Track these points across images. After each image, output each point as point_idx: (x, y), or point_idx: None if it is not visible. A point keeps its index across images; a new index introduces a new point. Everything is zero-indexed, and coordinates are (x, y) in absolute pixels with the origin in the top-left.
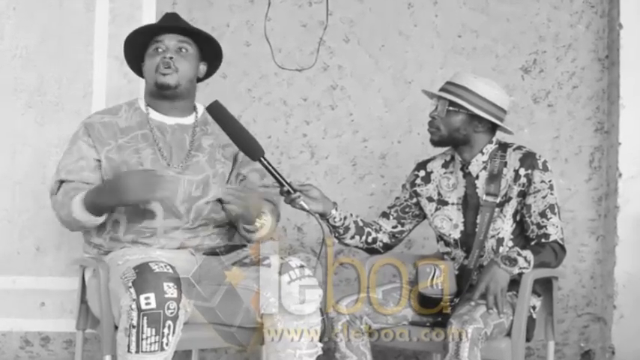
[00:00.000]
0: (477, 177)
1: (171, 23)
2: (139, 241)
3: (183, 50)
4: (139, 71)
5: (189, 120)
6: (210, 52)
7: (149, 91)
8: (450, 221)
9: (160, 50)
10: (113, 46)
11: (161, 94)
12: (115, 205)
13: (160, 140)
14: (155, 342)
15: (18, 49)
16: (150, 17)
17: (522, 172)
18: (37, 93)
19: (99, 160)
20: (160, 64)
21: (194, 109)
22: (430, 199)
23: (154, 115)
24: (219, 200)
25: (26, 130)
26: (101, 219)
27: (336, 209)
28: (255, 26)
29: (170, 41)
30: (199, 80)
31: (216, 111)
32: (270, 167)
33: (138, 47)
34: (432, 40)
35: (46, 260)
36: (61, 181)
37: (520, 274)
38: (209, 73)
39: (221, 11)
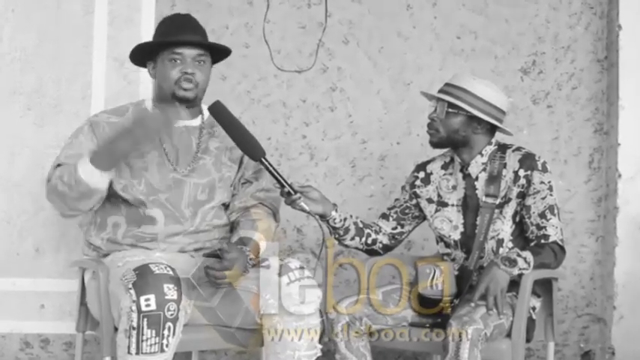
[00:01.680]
0: (477, 178)
1: (190, 32)
2: (139, 244)
3: (202, 62)
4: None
5: (195, 122)
6: (219, 55)
7: (160, 96)
8: (450, 222)
9: (178, 61)
10: (112, 48)
11: (176, 104)
12: (130, 149)
13: (167, 143)
14: (155, 343)
15: (17, 52)
16: (149, 19)
17: (522, 173)
18: (35, 95)
19: None
20: (181, 79)
21: (200, 110)
22: (430, 201)
23: None
24: (224, 205)
25: (25, 132)
26: (107, 178)
27: (336, 210)
28: (254, 28)
29: (190, 52)
30: None
31: (218, 111)
32: (271, 168)
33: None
34: (430, 41)
35: (45, 262)
36: (58, 165)
37: (520, 275)
38: None
39: (220, 13)
